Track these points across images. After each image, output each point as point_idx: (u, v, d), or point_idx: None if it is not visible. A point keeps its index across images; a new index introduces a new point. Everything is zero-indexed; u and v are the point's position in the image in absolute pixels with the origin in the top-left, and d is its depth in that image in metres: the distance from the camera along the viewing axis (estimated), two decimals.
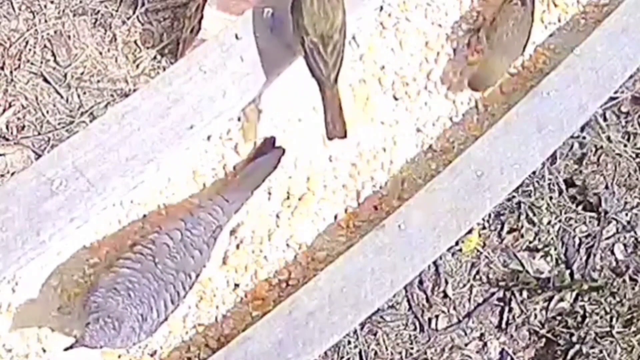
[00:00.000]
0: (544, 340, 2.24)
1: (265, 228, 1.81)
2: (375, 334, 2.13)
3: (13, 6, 2.15)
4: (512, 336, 2.22)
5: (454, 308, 2.20)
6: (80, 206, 1.67)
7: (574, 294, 2.25)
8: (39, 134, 2.06)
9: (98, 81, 2.13)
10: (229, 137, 1.81)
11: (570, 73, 1.93)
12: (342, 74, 1.89)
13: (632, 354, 2.25)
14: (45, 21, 2.15)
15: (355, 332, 2.15)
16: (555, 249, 2.27)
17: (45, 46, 2.14)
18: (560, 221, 2.29)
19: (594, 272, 2.29)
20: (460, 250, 2.21)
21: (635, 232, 2.34)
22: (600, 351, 2.23)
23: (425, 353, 2.17)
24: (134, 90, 1.95)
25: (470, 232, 2.09)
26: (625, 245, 2.33)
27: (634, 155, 2.35)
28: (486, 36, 1.93)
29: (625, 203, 2.34)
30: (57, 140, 2.05)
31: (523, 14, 1.93)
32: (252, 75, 1.79)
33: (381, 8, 1.94)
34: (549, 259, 2.27)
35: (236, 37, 1.79)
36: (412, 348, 2.17)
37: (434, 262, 2.10)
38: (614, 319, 2.25)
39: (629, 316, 2.26)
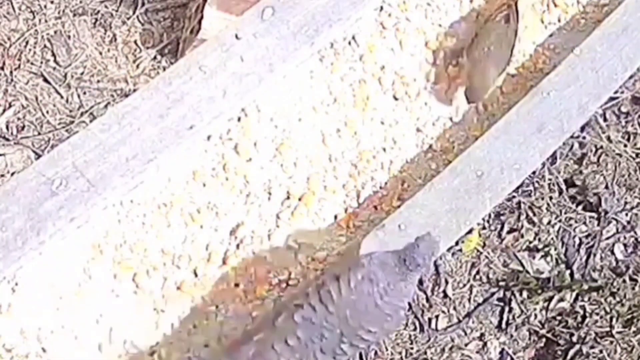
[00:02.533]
0: (544, 340, 2.24)
1: (265, 228, 1.81)
2: None
3: (13, 6, 2.15)
4: (512, 336, 2.22)
5: (454, 308, 2.20)
6: (80, 206, 1.67)
7: (574, 294, 2.25)
8: (39, 134, 2.06)
9: (98, 81, 2.12)
10: (229, 137, 1.81)
11: (570, 73, 1.93)
12: (342, 73, 1.90)
13: (632, 354, 2.25)
14: (45, 21, 2.15)
15: None
16: (555, 249, 2.27)
17: (45, 46, 2.14)
18: (560, 221, 2.29)
19: (594, 272, 2.29)
20: (460, 250, 2.21)
21: (635, 232, 2.34)
22: (600, 351, 2.23)
23: (425, 353, 2.17)
24: (134, 90, 1.95)
25: (470, 232, 2.09)
26: (625, 245, 2.33)
27: (634, 155, 2.35)
28: (467, 54, 1.93)
29: (625, 203, 2.34)
30: (57, 140, 2.05)
31: (506, 30, 1.93)
32: (252, 75, 1.79)
33: (381, 8, 1.94)
34: (549, 259, 2.26)
35: (236, 37, 1.79)
36: (412, 348, 2.17)
37: (434, 262, 2.10)
38: (614, 319, 2.25)
39: (629, 316, 2.26)
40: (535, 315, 2.24)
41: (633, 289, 2.30)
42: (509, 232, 2.27)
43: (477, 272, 2.23)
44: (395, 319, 1.62)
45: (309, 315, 1.59)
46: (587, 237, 2.31)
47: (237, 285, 1.78)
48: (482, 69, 1.90)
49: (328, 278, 1.63)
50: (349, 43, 1.91)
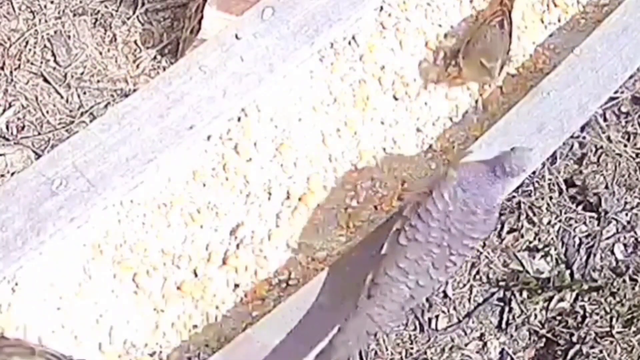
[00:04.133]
0: (544, 340, 2.24)
1: (265, 228, 1.81)
2: (375, 334, 2.13)
3: (13, 6, 2.15)
4: (512, 336, 2.22)
5: (454, 308, 2.20)
6: (80, 206, 1.67)
7: (574, 294, 2.25)
8: (39, 134, 2.06)
9: (98, 81, 2.12)
10: (229, 137, 1.81)
11: (570, 73, 1.93)
12: (342, 73, 1.90)
13: (632, 354, 2.24)
14: (45, 21, 2.15)
15: None
16: (555, 249, 2.27)
17: (45, 46, 2.14)
18: (560, 221, 2.28)
19: (594, 272, 2.29)
20: None
21: (635, 232, 2.34)
22: (600, 351, 2.23)
23: (425, 353, 2.16)
24: (134, 90, 1.95)
25: None
26: (625, 245, 2.33)
27: (634, 155, 2.35)
28: (463, 55, 1.93)
29: (625, 203, 2.33)
30: (57, 140, 2.05)
31: (501, 35, 1.93)
32: (252, 75, 1.79)
33: (381, 8, 1.94)
34: (549, 259, 2.26)
35: (236, 37, 1.80)
36: (412, 348, 2.16)
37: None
38: (614, 319, 2.25)
39: (629, 316, 2.26)
40: (535, 315, 2.24)
41: (633, 289, 2.30)
42: (509, 232, 2.26)
43: (477, 272, 2.23)
44: (490, 222, 1.68)
45: (413, 234, 1.65)
46: (587, 237, 2.31)
47: (237, 285, 1.78)
48: (479, 55, 1.90)
49: (421, 198, 1.67)
50: (349, 43, 1.91)
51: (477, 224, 1.66)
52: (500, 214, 2.25)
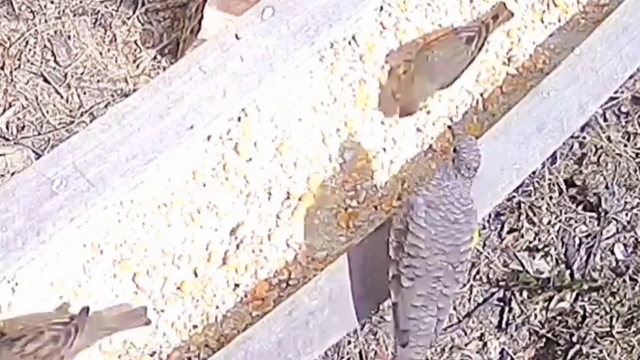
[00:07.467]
0: (544, 340, 2.24)
1: (265, 228, 1.81)
2: (375, 334, 2.13)
3: (13, 6, 2.15)
4: (512, 336, 2.22)
5: (454, 308, 2.20)
6: (80, 206, 1.67)
7: (574, 294, 2.25)
8: (39, 134, 2.06)
9: (98, 81, 2.13)
10: (229, 137, 1.81)
11: (570, 73, 1.93)
12: (342, 73, 1.90)
13: (632, 354, 2.25)
14: (45, 21, 2.15)
15: (355, 332, 2.15)
16: (555, 249, 2.27)
17: (45, 46, 2.14)
18: (560, 221, 2.29)
19: (594, 272, 2.29)
20: None
21: (635, 232, 2.34)
22: (600, 351, 2.23)
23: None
24: (134, 90, 1.95)
25: None
26: (625, 245, 2.33)
27: (634, 155, 2.35)
28: (416, 54, 1.89)
29: (625, 203, 2.34)
30: (57, 140, 2.05)
31: (462, 50, 1.88)
32: (252, 75, 1.79)
33: (381, 8, 1.94)
34: (549, 259, 2.27)
35: (236, 37, 1.79)
36: None
37: None
38: (614, 319, 2.25)
39: (629, 316, 2.26)
40: (535, 315, 2.24)
41: (633, 289, 2.30)
42: (509, 232, 2.27)
43: (477, 272, 2.23)
44: (473, 219, 1.69)
45: (413, 273, 1.66)
46: (587, 237, 2.31)
47: (237, 285, 1.78)
48: (420, 83, 1.85)
49: (399, 235, 1.68)
50: (349, 43, 1.91)
51: (462, 227, 1.68)
52: (500, 214, 2.25)
